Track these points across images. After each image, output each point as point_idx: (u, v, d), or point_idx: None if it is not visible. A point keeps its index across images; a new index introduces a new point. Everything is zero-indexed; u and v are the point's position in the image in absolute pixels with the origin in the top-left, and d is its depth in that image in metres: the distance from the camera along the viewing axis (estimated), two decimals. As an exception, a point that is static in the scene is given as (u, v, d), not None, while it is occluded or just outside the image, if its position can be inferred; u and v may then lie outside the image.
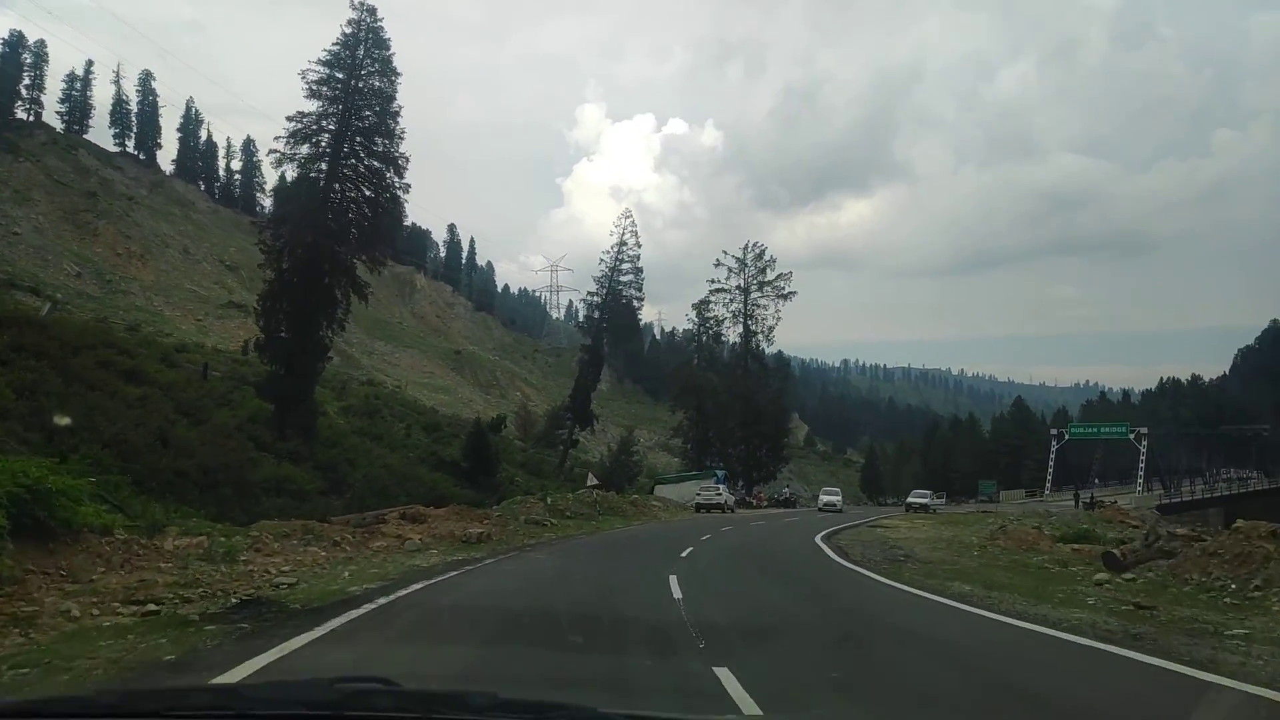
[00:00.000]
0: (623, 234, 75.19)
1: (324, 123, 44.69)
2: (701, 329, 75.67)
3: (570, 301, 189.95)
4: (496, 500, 38.48)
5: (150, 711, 2.02)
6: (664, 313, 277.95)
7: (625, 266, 75.49)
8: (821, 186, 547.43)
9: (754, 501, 64.71)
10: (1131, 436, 77.23)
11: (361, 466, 46.00)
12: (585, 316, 77.23)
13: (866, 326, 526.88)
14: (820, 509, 51.45)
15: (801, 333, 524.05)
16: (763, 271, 74.21)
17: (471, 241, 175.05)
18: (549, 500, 36.33)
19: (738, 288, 74.48)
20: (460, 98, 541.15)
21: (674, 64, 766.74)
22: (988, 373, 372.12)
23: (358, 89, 44.89)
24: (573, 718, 1.89)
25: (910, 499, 59.97)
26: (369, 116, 45.29)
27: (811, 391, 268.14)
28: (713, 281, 75.73)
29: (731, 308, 74.47)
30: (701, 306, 76.04)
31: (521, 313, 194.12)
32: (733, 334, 73.72)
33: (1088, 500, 61.81)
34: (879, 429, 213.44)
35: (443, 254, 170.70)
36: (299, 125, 44.30)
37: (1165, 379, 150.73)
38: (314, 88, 44.22)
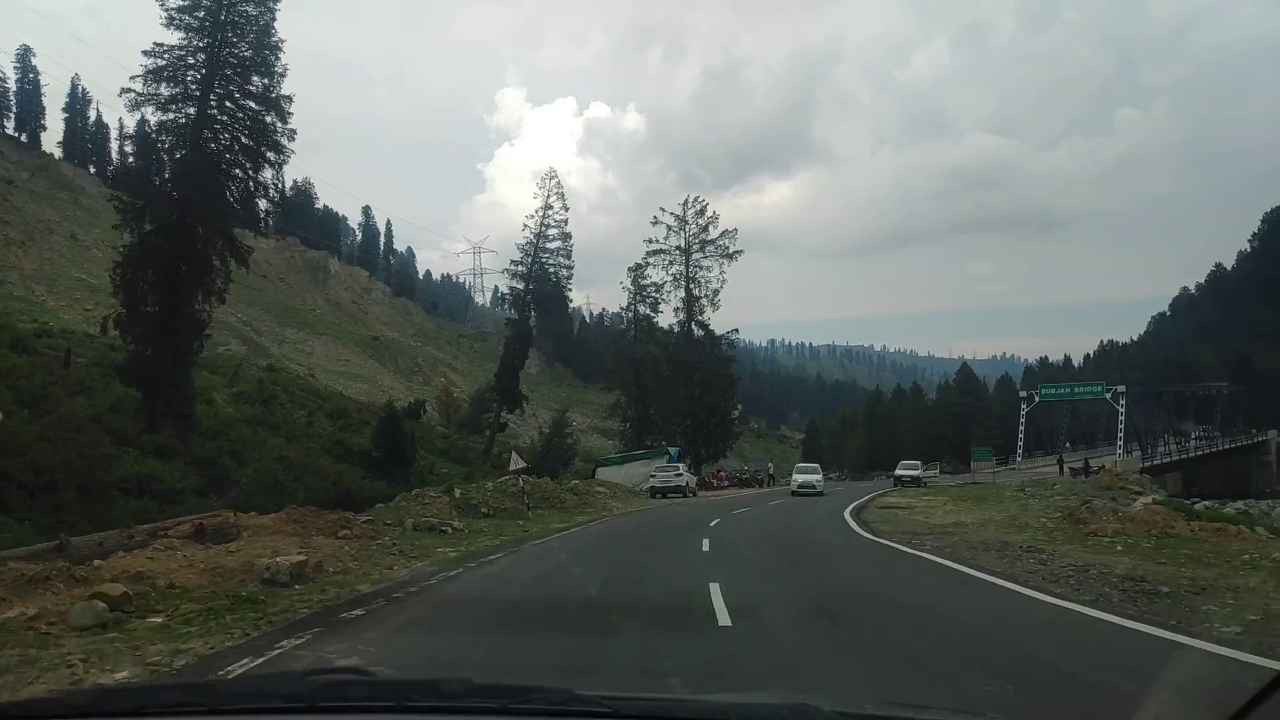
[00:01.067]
0: (547, 197, 68.53)
1: (189, 57, 37.27)
2: (638, 296, 68.78)
3: (496, 287, 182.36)
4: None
5: (121, 710, 1.95)
6: (592, 297, 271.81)
7: (551, 233, 68.85)
8: (744, 169, 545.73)
9: (715, 482, 58.84)
10: (1108, 395, 72.60)
11: (251, 460, 39.21)
12: (510, 288, 70.21)
13: (791, 306, 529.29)
14: (795, 491, 43.67)
15: (729, 313, 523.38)
16: (705, 229, 66.87)
17: (388, 225, 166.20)
18: (457, 493, 28.17)
19: (678, 248, 67.09)
20: (378, 87, 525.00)
21: (594, 48, 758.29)
22: (909, 348, 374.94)
23: (230, 20, 37.62)
24: (548, 700, 1.80)
25: (899, 471, 53.05)
26: (243, 50, 38.03)
27: (741, 370, 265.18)
28: (650, 242, 68.08)
29: (672, 270, 67.11)
30: (638, 271, 68.84)
31: (445, 299, 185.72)
32: (674, 298, 66.79)
33: (1079, 466, 57.11)
34: (808, 405, 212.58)
35: (360, 239, 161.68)
36: (158, 60, 36.84)
37: (1105, 341, 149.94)
38: (175, 15, 36.75)
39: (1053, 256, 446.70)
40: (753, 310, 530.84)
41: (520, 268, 69.48)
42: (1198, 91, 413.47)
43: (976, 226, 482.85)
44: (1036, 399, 77.42)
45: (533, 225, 68.57)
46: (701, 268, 66.01)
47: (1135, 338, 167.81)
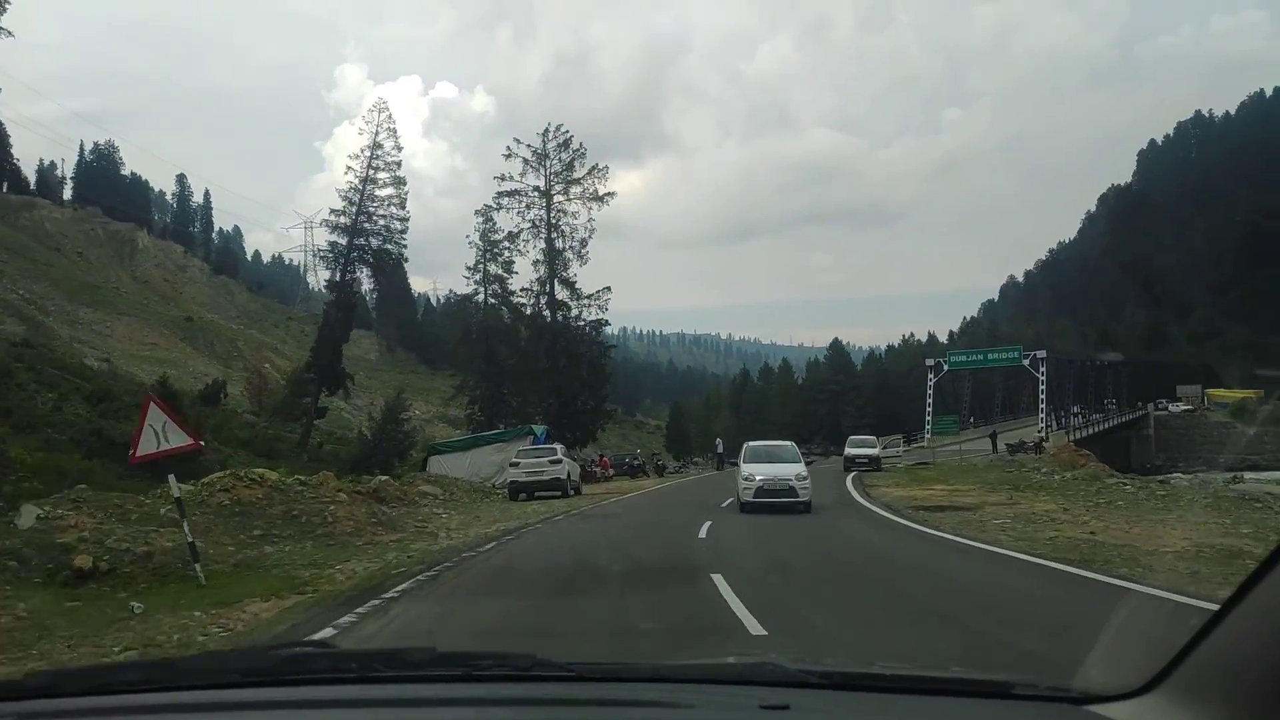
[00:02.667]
0: (376, 133, 53.79)
1: None
2: (487, 252, 54.59)
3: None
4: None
5: (82, 690, 1.88)
6: (440, 283, 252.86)
7: (382, 177, 54.17)
8: (596, 156, 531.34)
9: (600, 471, 46.13)
10: (1026, 362, 62.72)
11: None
12: (329, 243, 54.90)
13: (641, 295, 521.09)
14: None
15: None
16: (570, 166, 51.67)
17: (207, 196, 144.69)
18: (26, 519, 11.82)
19: (536, 189, 51.87)
20: (204, 56, 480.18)
21: (440, 26, 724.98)
22: (753, 336, 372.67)
23: None
24: (511, 666, 1.79)
25: (851, 450, 41.31)
26: None
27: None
28: (502, 180, 52.10)
29: (530, 215, 52.01)
30: (486, 220, 53.84)
31: (276, 279, 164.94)
32: (533, 249, 52.33)
33: (1015, 442, 47.35)
34: (661, 392, 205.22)
35: (175, 210, 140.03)
36: None
37: (967, 318, 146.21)
38: None
39: (888, 249, 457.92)
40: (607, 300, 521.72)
41: (343, 218, 54.43)
42: (1015, 95, 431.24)
43: (817, 219, 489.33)
44: (945, 368, 66.84)
45: (358, 167, 53.79)
46: (566, 213, 51.74)
47: (968, 319, 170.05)
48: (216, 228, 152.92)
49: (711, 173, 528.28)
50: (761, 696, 1.63)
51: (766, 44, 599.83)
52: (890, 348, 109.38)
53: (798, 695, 1.65)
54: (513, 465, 27.71)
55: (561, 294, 51.11)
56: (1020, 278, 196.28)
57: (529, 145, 52.47)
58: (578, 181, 51.36)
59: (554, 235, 50.90)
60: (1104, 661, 2.57)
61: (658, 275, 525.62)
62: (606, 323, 51.77)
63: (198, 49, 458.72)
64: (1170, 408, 75.64)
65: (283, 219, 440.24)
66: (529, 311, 52.75)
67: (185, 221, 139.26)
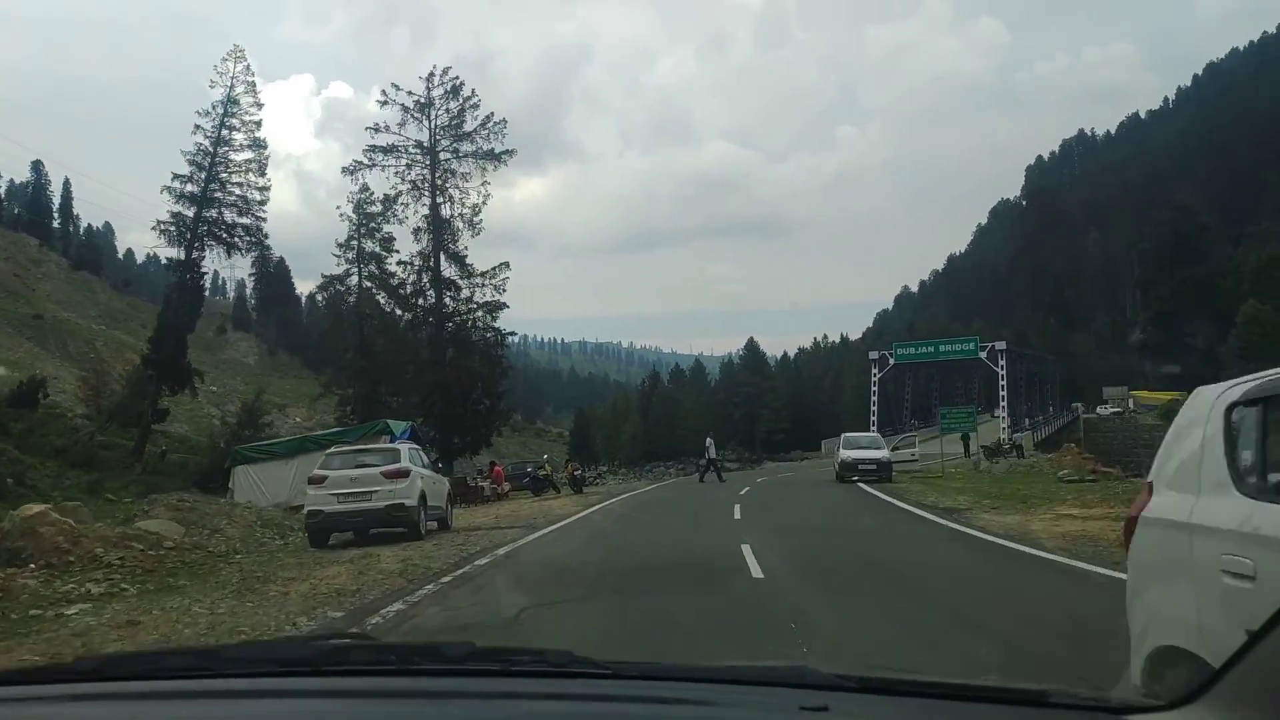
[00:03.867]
0: (230, 86, 43.43)
1: None
2: (362, 224, 44.74)
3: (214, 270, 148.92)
4: None
5: (129, 675, 1.90)
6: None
7: (238, 138, 43.84)
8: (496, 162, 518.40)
9: (490, 487, 33.85)
10: (984, 354, 55.00)
11: None
12: (171, 214, 43.97)
13: (543, 303, 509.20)
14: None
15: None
16: (460, 118, 41.37)
17: (67, 185, 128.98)
18: None
19: (419, 145, 41.47)
20: (82, 51, 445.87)
21: (334, 26, 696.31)
22: (654, 344, 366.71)
23: None
24: (548, 662, 1.79)
25: (850, 453, 29.15)
26: None
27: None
28: (375, 131, 41.20)
29: (411, 176, 41.56)
30: (356, 176, 42.86)
31: (149, 280, 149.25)
32: (413, 217, 41.87)
33: (991, 445, 39.98)
34: (561, 399, 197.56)
35: (30, 199, 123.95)
36: None
37: (878, 313, 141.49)
38: None
39: (784, 261, 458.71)
40: (507, 307, 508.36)
41: (189, 185, 43.84)
42: (905, 114, 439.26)
43: (716, 230, 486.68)
44: (891, 361, 58.66)
45: (208, 126, 43.32)
46: (454, 174, 41.71)
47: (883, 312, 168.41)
48: (85, 224, 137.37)
49: (613, 182, 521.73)
50: (800, 698, 1.60)
51: (667, 57, 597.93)
52: (802, 350, 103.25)
53: (835, 698, 1.61)
54: (314, 482, 15.80)
55: (449, 271, 41.34)
56: (915, 288, 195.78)
57: (410, 92, 42.29)
58: (469, 136, 41.53)
59: (440, 200, 41.30)
60: (1147, 669, 2.55)
61: (559, 283, 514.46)
62: (504, 305, 42.05)
63: (72, 43, 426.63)
64: (1099, 410, 71.14)
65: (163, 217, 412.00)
66: (408, 291, 42.51)
67: (41, 213, 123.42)
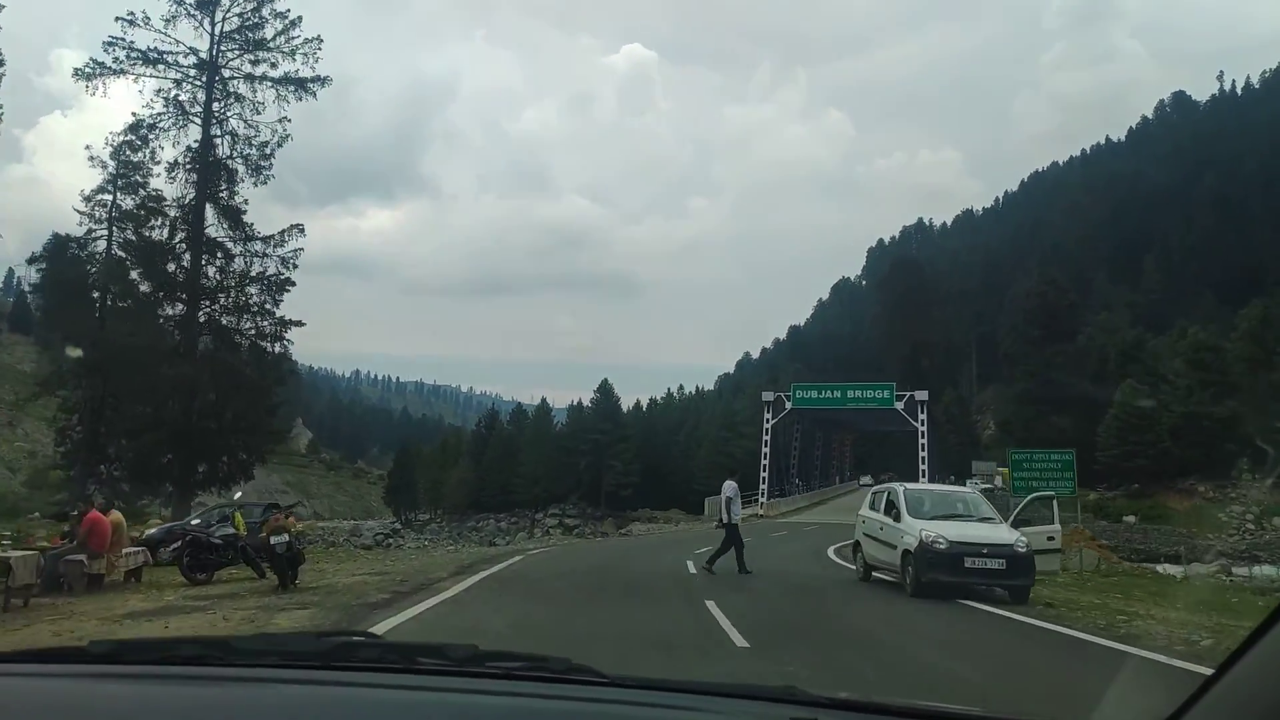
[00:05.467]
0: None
1: None
2: (121, 174, 31.31)
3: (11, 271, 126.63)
4: None
5: (142, 660, 1.94)
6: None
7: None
8: (345, 189, 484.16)
9: (100, 567, 13.97)
10: (900, 405, 46.11)
11: None
12: None
13: (381, 339, 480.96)
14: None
15: (311, 340, 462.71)
16: (255, 25, 28.85)
17: None
18: None
19: (194, 55, 28.80)
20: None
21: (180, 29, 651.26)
22: (495, 391, 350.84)
23: None
24: (548, 669, 1.83)
25: (930, 529, 12.64)
26: None
27: (319, 399, 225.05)
28: (129, 24, 28.17)
29: (180, 97, 28.98)
30: (96, 87, 28.83)
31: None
32: (175, 148, 29.14)
33: None
34: (390, 440, 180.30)
35: None
36: None
37: (720, 376, 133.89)
38: None
39: (630, 320, 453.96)
40: (340, 339, 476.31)
41: None
42: (754, 192, 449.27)
43: (565, 283, 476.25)
44: (788, 406, 48.10)
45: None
46: (242, 99, 29.25)
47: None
48: None
49: (467, 223, 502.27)
50: (789, 712, 1.65)
51: (532, 108, 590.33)
52: (654, 401, 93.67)
53: (822, 713, 1.64)
54: None
55: (217, 230, 28.76)
56: (756, 354, 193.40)
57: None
58: (266, 50, 29.22)
59: (216, 133, 28.97)
60: (1116, 705, 2.56)
61: (399, 320, 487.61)
62: (290, 283, 29.58)
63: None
64: (968, 485, 65.12)
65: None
66: (154, 252, 29.05)
67: None
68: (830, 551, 23.16)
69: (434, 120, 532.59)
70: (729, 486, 17.21)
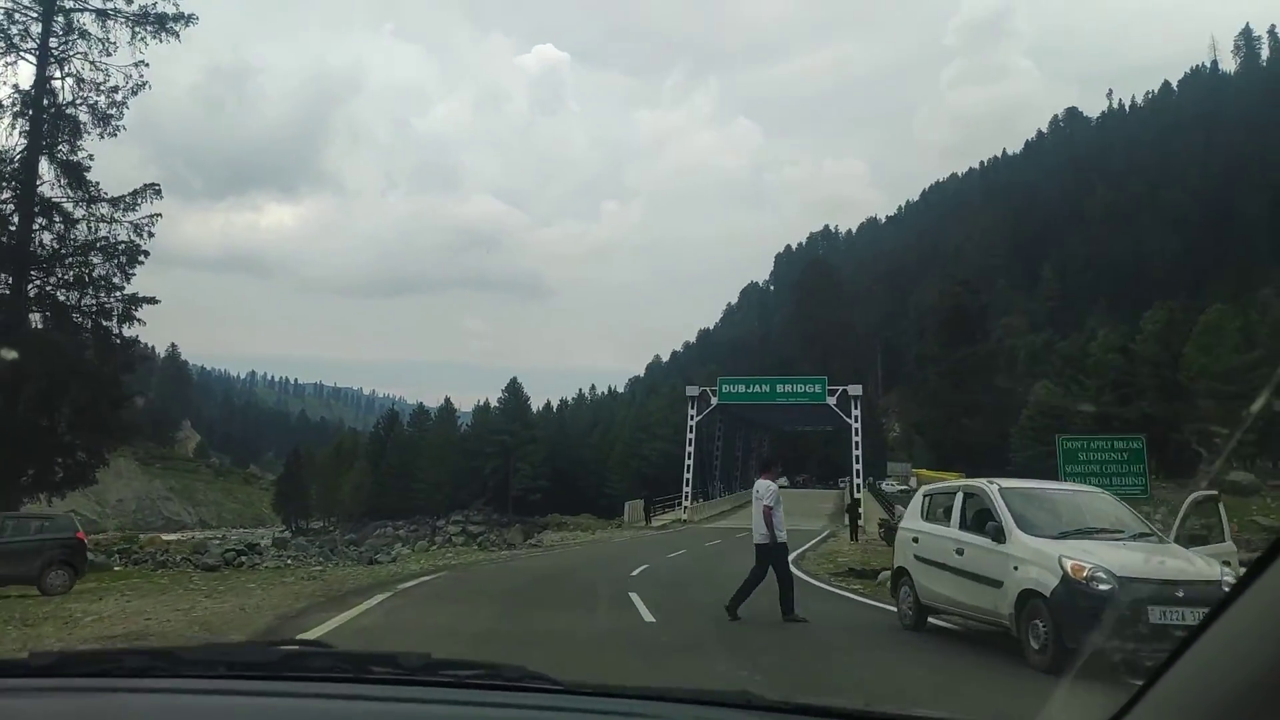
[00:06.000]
0: None
1: None
2: None
3: None
4: None
5: (86, 672, 1.88)
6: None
7: None
8: (243, 182, 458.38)
9: None
10: (833, 400, 42.16)
11: None
12: None
13: (279, 339, 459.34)
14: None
15: (204, 340, 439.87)
16: None
17: None
18: None
19: None
20: None
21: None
22: (398, 394, 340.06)
23: None
24: (502, 677, 1.80)
25: (1101, 556, 7.91)
26: None
27: (211, 401, 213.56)
28: None
29: (9, 31, 23.67)
30: None
31: None
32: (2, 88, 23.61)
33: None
34: (287, 444, 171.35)
35: None
36: None
37: (630, 379, 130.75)
38: None
39: (542, 322, 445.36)
40: (235, 340, 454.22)
41: None
42: (665, 198, 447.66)
43: (474, 284, 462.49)
44: (713, 401, 44.20)
45: None
46: (87, 34, 24.49)
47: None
48: None
49: (373, 221, 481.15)
50: (745, 718, 1.66)
51: (442, 105, 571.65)
52: (565, 402, 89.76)
53: (780, 718, 1.66)
54: None
55: (52, 188, 24.04)
56: (666, 357, 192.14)
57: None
58: None
59: (55, 74, 24.26)
60: (1067, 700, 2.46)
61: (299, 320, 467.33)
62: (144, 254, 24.94)
63: None
64: (884, 486, 64.23)
65: None
66: None
67: None
68: (800, 572, 19.76)
69: (339, 114, 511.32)
70: (765, 487, 11.71)
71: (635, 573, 16.75)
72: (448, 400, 78.86)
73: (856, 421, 41.24)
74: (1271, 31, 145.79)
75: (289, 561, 24.27)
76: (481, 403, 75.07)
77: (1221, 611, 1.14)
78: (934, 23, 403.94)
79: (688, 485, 39.44)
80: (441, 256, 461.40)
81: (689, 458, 41.38)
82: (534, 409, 77.18)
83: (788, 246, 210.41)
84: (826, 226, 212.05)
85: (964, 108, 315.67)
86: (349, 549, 24.64)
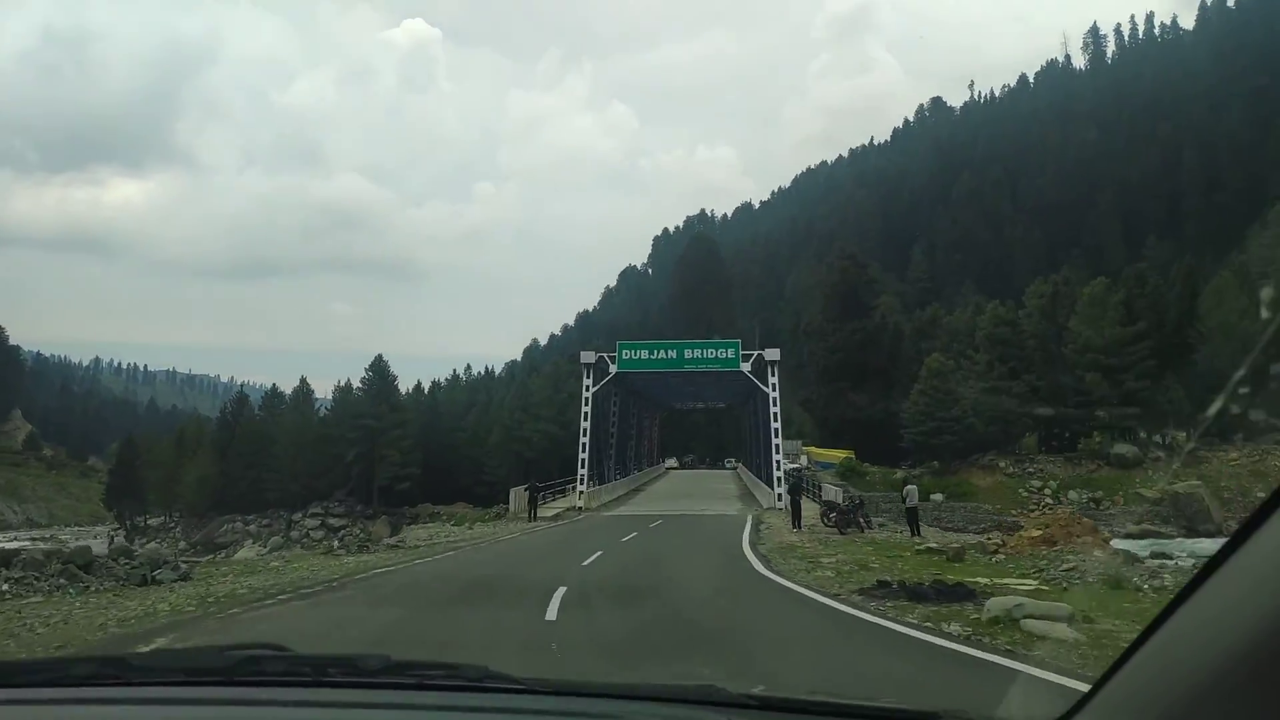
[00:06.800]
0: None
1: None
2: None
3: None
4: None
5: (35, 682, 1.82)
6: None
7: None
8: (83, 155, 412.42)
9: None
10: (747, 367, 36.86)
11: None
12: None
13: (127, 324, 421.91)
14: None
15: (40, 325, 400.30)
16: None
17: None
18: None
19: None
20: None
21: None
22: (259, 381, 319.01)
23: None
24: (463, 677, 1.76)
25: None
26: None
27: (48, 389, 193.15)
28: None
29: None
30: None
31: None
32: None
33: (845, 504, 23.61)
34: (135, 433, 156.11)
35: None
36: None
37: (506, 364, 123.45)
38: None
39: (413, 306, 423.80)
40: (77, 324, 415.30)
41: None
42: (540, 180, 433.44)
43: (340, 266, 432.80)
44: (612, 369, 38.04)
45: None
46: None
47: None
48: None
49: (229, 199, 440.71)
50: (709, 714, 1.64)
51: (304, 79, 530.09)
52: (438, 384, 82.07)
53: (741, 714, 1.65)
54: None
55: None
56: (545, 341, 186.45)
57: None
58: None
59: None
60: (1026, 692, 2.44)
61: (149, 303, 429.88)
62: None
63: None
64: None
65: None
66: None
67: None
68: (796, 586, 13.40)
69: (192, 86, 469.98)
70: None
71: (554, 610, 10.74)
72: (304, 381, 70.13)
73: (774, 390, 36.62)
74: (1118, 30, 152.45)
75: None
76: (343, 384, 67.04)
77: (1183, 600, 1.12)
78: (802, 16, 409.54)
79: (583, 467, 33.73)
80: (305, 237, 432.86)
81: (584, 434, 35.54)
82: (404, 391, 69.96)
83: (665, 230, 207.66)
84: (703, 210, 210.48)
85: (831, 98, 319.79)
86: (118, 565, 16.78)
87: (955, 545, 17.92)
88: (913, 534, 23.15)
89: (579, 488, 34.69)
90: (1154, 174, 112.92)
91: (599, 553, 17.87)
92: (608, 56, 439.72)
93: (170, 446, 73.73)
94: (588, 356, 39.18)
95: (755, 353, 38.43)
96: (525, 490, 32.45)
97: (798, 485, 25.79)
